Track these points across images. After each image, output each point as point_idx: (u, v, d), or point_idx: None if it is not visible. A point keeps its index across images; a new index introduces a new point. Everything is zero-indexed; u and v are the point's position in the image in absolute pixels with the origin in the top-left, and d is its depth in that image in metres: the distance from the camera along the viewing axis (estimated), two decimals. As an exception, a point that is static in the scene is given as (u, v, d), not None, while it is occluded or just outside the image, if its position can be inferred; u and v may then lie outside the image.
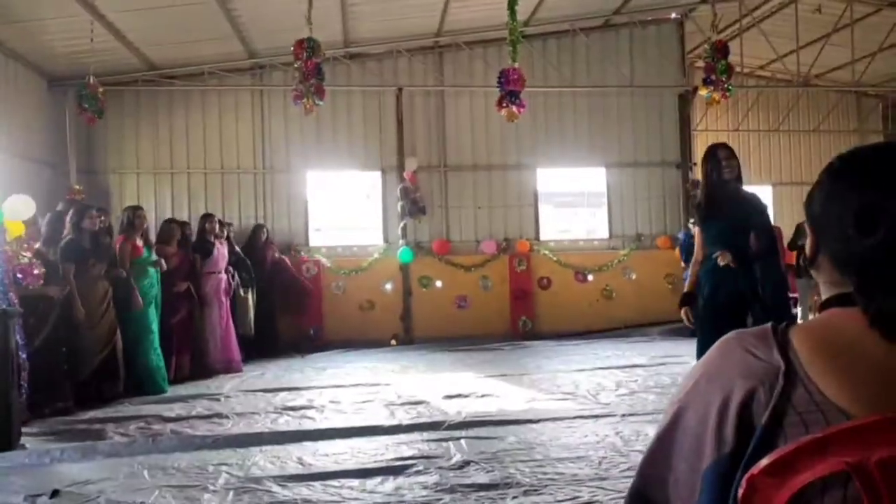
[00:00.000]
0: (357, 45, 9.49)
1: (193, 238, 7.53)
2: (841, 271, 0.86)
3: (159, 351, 6.35)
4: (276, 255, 8.96)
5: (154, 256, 6.51)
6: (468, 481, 3.65)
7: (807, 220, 0.93)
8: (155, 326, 6.35)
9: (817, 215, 0.90)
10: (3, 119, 7.45)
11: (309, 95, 6.62)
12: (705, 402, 0.84)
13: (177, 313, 6.86)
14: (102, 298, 5.89)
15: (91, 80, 7.43)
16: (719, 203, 3.78)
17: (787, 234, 8.93)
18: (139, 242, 6.35)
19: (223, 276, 7.37)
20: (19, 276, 4.61)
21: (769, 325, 0.86)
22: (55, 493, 3.55)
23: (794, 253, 8.36)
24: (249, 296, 8.02)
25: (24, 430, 4.76)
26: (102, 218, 6.18)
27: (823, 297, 0.91)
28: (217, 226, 7.56)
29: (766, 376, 0.80)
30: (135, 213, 6.49)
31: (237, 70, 9.50)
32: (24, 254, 4.69)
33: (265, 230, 8.92)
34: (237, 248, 8.08)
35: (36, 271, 4.71)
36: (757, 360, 0.82)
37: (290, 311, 8.98)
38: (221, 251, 7.45)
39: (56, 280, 5.38)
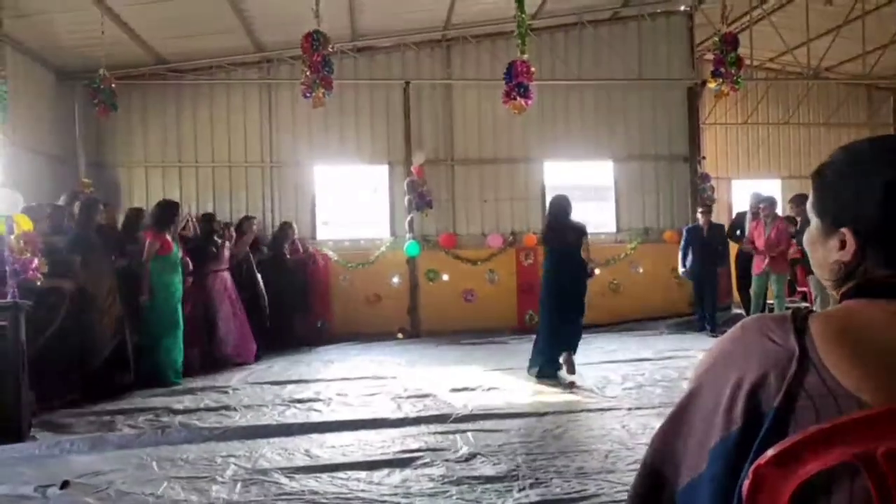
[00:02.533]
0: (364, 38, 9.47)
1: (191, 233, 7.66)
2: (891, 268, 0.84)
3: (181, 345, 6.41)
4: (302, 251, 8.98)
5: (179, 252, 6.60)
6: (474, 474, 3.67)
7: (832, 223, 0.89)
8: (181, 321, 6.41)
9: (861, 215, 0.86)
10: (13, 113, 7.46)
11: (317, 89, 6.62)
12: (720, 382, 0.85)
13: (184, 308, 6.91)
14: (109, 291, 5.94)
15: (105, 74, 7.46)
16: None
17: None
18: (169, 238, 6.39)
19: (227, 273, 7.42)
20: (18, 268, 4.63)
21: (790, 310, 0.86)
22: (65, 485, 3.58)
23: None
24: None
25: (34, 421, 4.81)
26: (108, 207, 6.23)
27: (844, 288, 0.89)
28: (227, 230, 7.74)
29: (779, 361, 0.81)
30: (169, 209, 6.52)
31: (245, 64, 9.50)
32: (26, 248, 4.70)
33: (293, 227, 8.90)
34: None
35: (35, 265, 4.72)
36: (773, 344, 0.83)
37: (304, 309, 8.94)
38: (227, 249, 7.50)
39: (62, 273, 5.42)
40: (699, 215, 8.96)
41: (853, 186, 0.86)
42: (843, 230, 0.87)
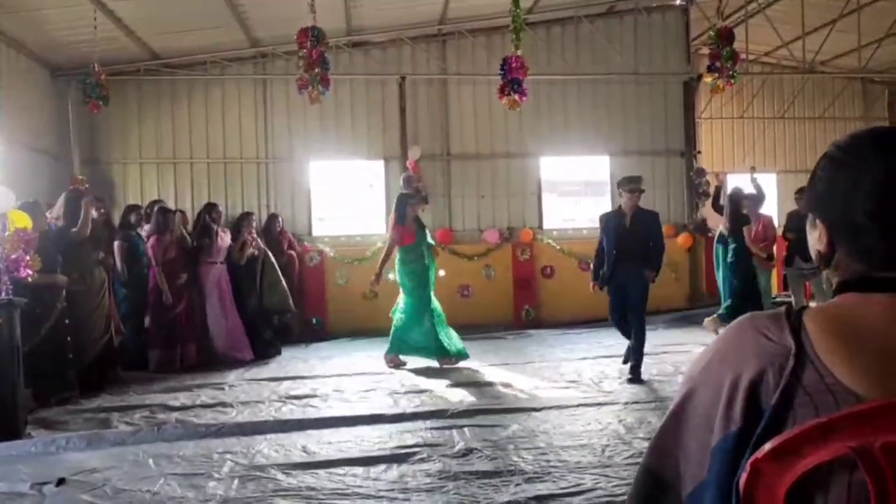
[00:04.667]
0: (360, 33, 9.44)
1: (190, 226, 7.62)
2: (864, 263, 0.85)
3: (424, 328, 6.59)
4: (287, 248, 8.86)
5: (430, 240, 6.85)
6: (471, 469, 3.67)
7: (815, 217, 0.91)
8: (428, 304, 6.62)
9: (831, 210, 0.88)
10: (7, 109, 7.44)
11: (314, 84, 6.60)
12: (716, 381, 0.84)
13: (179, 303, 6.91)
14: (101, 286, 5.92)
15: (96, 68, 7.42)
16: None
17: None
18: (413, 227, 6.67)
19: (222, 266, 7.40)
20: (11, 266, 4.61)
21: (784, 307, 0.87)
22: (61, 482, 3.58)
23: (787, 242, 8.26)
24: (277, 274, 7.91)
25: (29, 418, 4.80)
26: (103, 210, 6.22)
27: (835, 281, 0.90)
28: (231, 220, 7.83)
29: (776, 357, 0.80)
30: (404, 199, 6.77)
31: (240, 59, 9.46)
32: (18, 245, 4.68)
33: (279, 220, 8.85)
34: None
35: (26, 262, 4.70)
36: (769, 341, 0.82)
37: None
38: (224, 240, 7.48)
39: (56, 269, 5.40)
40: (621, 194, 5.95)
41: (826, 179, 0.89)
42: (818, 222, 0.90)
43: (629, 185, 5.90)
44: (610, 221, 5.99)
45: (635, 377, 5.80)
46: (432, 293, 6.69)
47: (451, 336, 6.72)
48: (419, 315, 6.57)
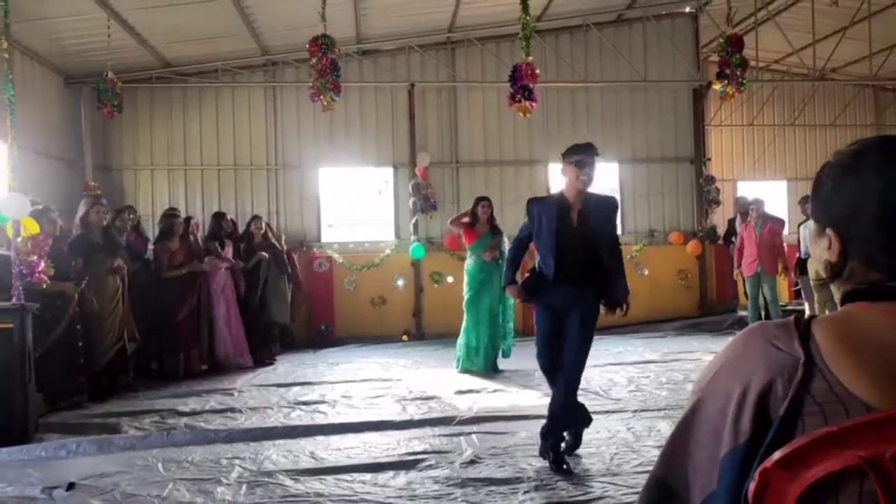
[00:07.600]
0: (369, 41, 9.49)
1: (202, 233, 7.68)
2: (876, 273, 0.84)
3: (477, 333, 6.80)
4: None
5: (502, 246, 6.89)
6: (479, 476, 3.67)
7: (824, 225, 0.90)
8: (476, 309, 6.75)
9: (841, 218, 0.87)
10: (20, 116, 7.46)
11: (326, 92, 6.64)
12: (725, 392, 0.84)
13: (182, 309, 6.92)
14: (114, 293, 5.95)
15: (110, 76, 7.49)
16: None
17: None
18: (481, 229, 6.84)
19: (227, 274, 7.43)
20: (25, 271, 4.65)
21: (793, 316, 0.86)
22: (71, 486, 3.60)
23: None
24: (285, 284, 7.98)
25: (40, 423, 4.83)
26: (131, 216, 6.27)
27: (843, 290, 0.89)
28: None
29: (785, 367, 0.80)
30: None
31: (250, 67, 9.53)
32: (33, 251, 4.72)
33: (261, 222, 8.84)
34: (273, 241, 8.00)
35: (41, 268, 4.74)
36: (778, 350, 0.82)
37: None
38: (227, 250, 7.53)
39: (68, 275, 5.44)
40: (567, 168, 3.99)
41: (833, 188, 0.89)
42: (828, 230, 0.89)
43: (579, 154, 3.85)
44: (546, 214, 3.84)
45: (564, 466, 3.64)
46: (489, 303, 6.79)
47: (471, 351, 6.84)
48: (466, 317, 6.86)
